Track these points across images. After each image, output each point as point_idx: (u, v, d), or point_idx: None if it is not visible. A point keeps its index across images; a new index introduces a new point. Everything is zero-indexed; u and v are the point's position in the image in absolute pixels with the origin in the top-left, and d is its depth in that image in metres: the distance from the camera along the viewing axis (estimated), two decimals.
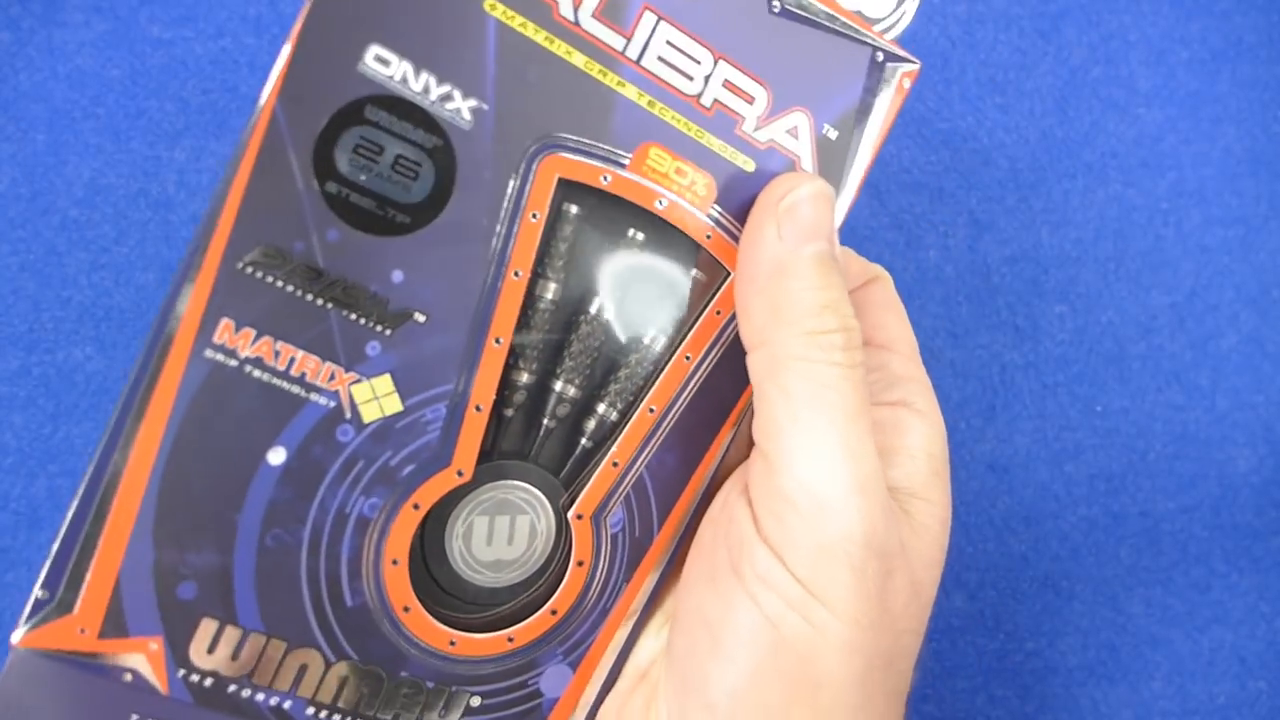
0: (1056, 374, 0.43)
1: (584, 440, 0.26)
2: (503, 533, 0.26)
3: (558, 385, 0.26)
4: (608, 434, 0.27)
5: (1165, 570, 0.43)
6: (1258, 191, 0.44)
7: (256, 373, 0.22)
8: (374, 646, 0.24)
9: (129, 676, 0.22)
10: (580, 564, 0.26)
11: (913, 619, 0.25)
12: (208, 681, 0.23)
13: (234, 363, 0.22)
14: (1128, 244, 0.43)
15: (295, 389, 0.22)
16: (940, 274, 0.43)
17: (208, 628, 0.22)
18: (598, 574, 0.26)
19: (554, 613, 0.26)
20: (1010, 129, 0.43)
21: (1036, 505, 0.43)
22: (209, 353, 0.22)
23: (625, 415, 0.26)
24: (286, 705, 0.23)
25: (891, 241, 0.43)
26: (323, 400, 0.23)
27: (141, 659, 0.22)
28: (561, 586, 0.26)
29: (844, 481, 0.23)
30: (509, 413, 0.26)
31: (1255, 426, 0.43)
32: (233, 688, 0.23)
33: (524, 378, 0.25)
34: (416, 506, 0.24)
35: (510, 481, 0.26)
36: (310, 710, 0.24)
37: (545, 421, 0.26)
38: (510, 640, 0.25)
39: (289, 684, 0.23)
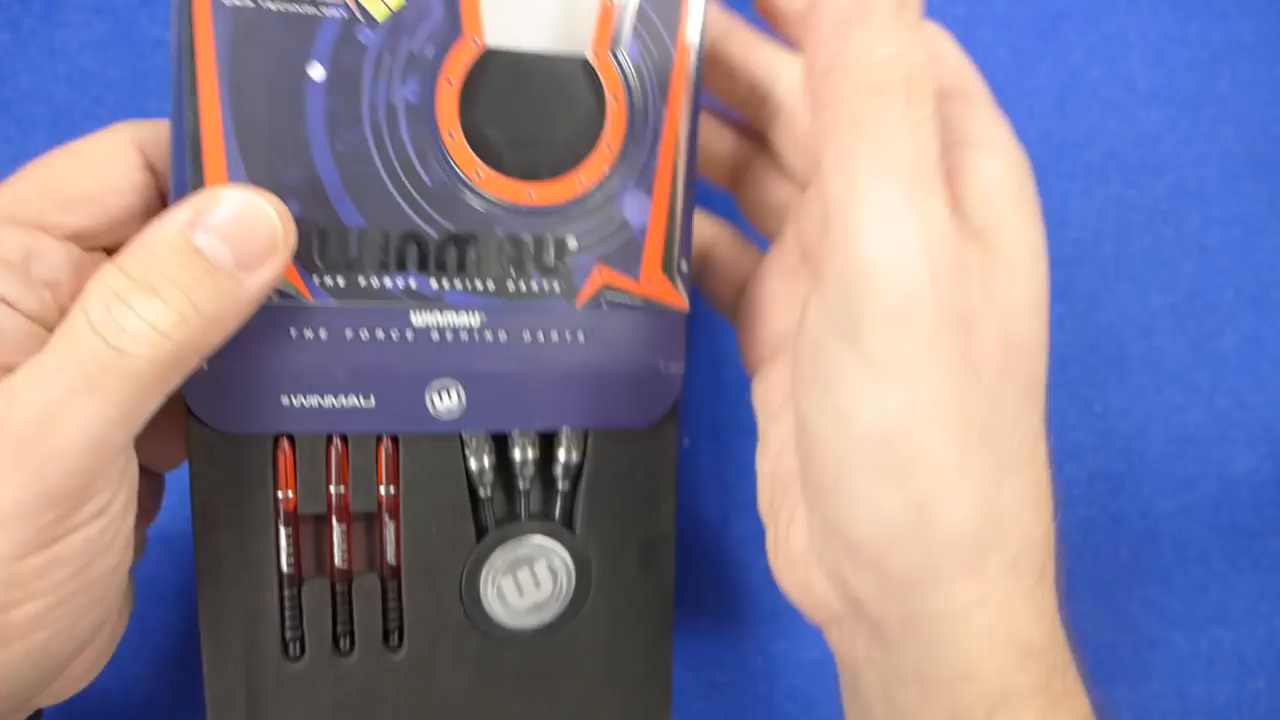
0: (1056, 374, 0.43)
1: (560, 484, 0.30)
2: (528, 581, 0.29)
3: (515, 454, 0.29)
4: (577, 472, 0.29)
5: (1165, 570, 0.43)
6: (1258, 191, 0.44)
7: (271, 5, 0.24)
8: (464, 215, 0.27)
9: (276, 298, 0.25)
10: (615, 98, 0.27)
11: (1016, 373, 0.25)
12: (341, 281, 0.26)
13: (251, 3, 0.24)
14: (1128, 244, 0.43)
15: (308, 8, 0.25)
16: None
17: (321, 234, 0.26)
18: (634, 101, 0.28)
19: (609, 148, 0.28)
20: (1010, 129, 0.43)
21: None
22: (227, 2, 0.24)
23: (584, 453, 0.29)
24: (413, 284, 0.27)
25: None
26: (335, 12, 0.25)
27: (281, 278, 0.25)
28: (605, 122, 0.27)
29: (911, 245, 0.22)
30: (484, 494, 0.29)
31: (1255, 426, 0.43)
32: (363, 279, 0.26)
33: (486, 462, 0.28)
34: (450, 82, 0.26)
35: (512, 542, 0.29)
36: (433, 283, 0.27)
37: (520, 486, 0.29)
38: (581, 181, 0.27)
39: (410, 265, 0.26)
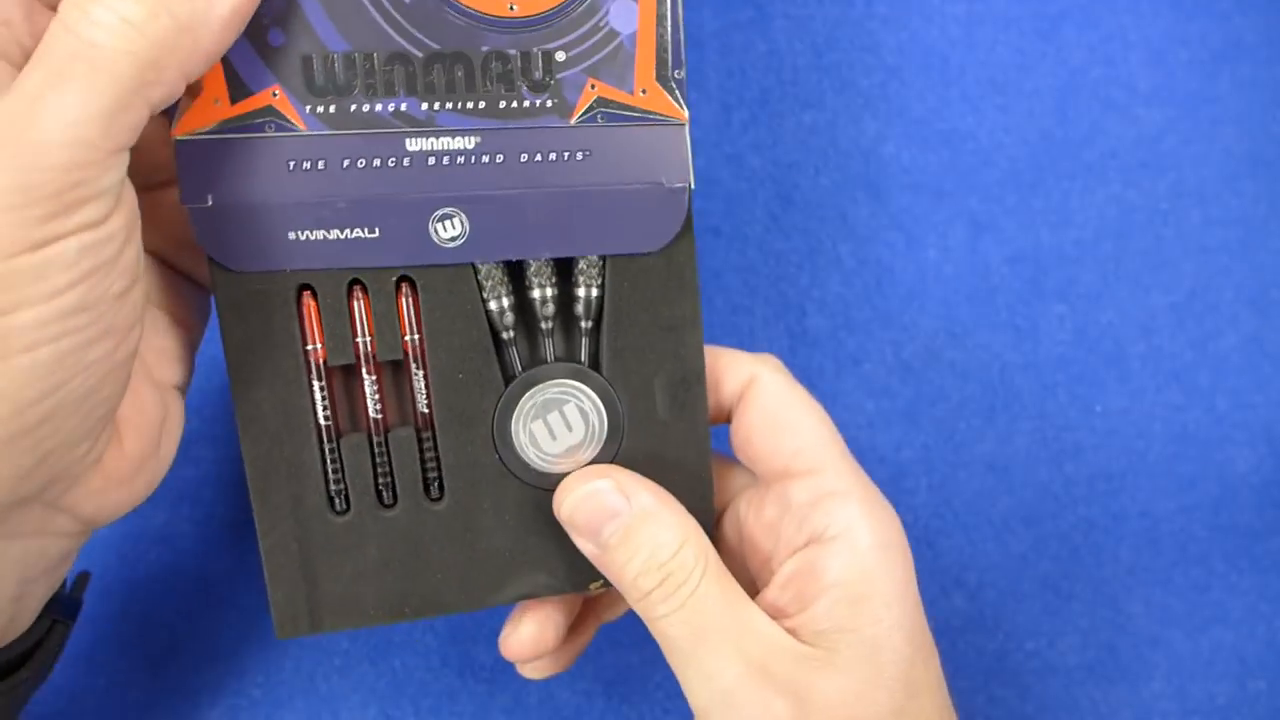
0: (1056, 374, 0.43)
1: (582, 323, 0.30)
2: (559, 425, 0.29)
3: (534, 293, 0.29)
4: (599, 310, 0.29)
5: (1165, 570, 0.43)
6: (1258, 191, 0.44)
7: None
8: (447, 32, 0.26)
9: (271, 128, 0.26)
10: None
11: None
12: (333, 108, 0.26)
13: None
14: (1128, 244, 0.43)
15: None
16: (940, 274, 0.43)
17: (306, 60, 0.26)
18: None
19: None
20: (1010, 129, 0.43)
21: (1036, 505, 0.43)
22: None
23: (603, 287, 0.29)
24: (404, 107, 0.26)
25: (891, 241, 0.43)
26: None
27: (272, 108, 0.26)
28: None
29: (711, 698, 0.27)
30: (507, 336, 0.29)
31: (1255, 426, 0.43)
32: (353, 106, 0.26)
33: (505, 302, 0.29)
34: None
35: (540, 384, 0.29)
36: (423, 105, 0.27)
37: (541, 326, 0.29)
38: None
39: (398, 89, 0.26)
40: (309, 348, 0.28)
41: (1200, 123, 0.44)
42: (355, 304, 0.28)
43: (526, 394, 0.29)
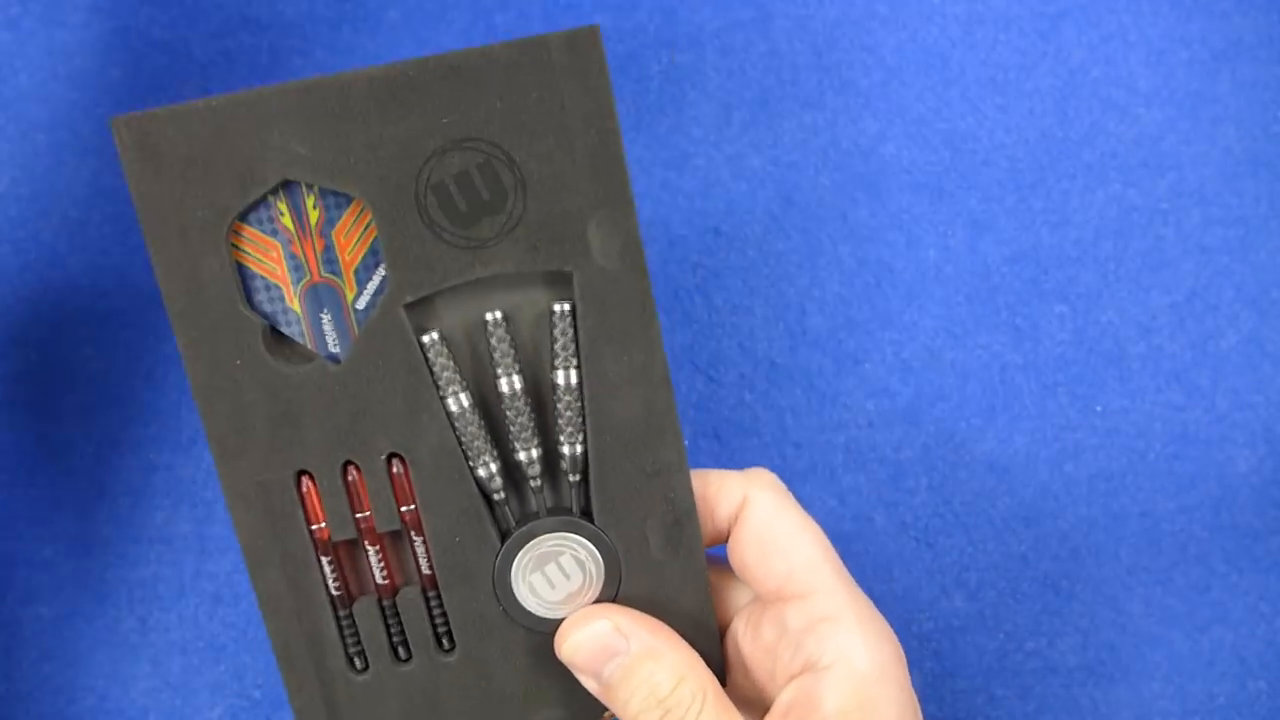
0: (1056, 374, 0.43)
1: (570, 477, 0.30)
2: (558, 575, 0.30)
3: (520, 455, 0.30)
4: (584, 464, 0.30)
5: (1165, 570, 0.43)
6: (1258, 191, 0.44)
7: None
8: None
9: None
10: None
11: None
12: None
13: None
14: (1128, 244, 0.43)
15: None
16: (940, 274, 0.43)
17: None
18: None
19: None
20: (1010, 129, 0.43)
21: (1036, 505, 0.43)
22: None
23: (585, 442, 0.30)
24: None
25: (891, 241, 0.43)
26: None
27: None
28: None
29: None
30: (498, 498, 0.30)
31: (1255, 426, 0.43)
32: None
33: (493, 467, 0.29)
34: None
35: (535, 539, 0.30)
36: None
37: (531, 485, 0.30)
38: None
39: None
40: (313, 527, 0.30)
41: (1200, 123, 0.44)
42: (349, 482, 0.30)
43: (522, 549, 0.30)
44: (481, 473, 0.29)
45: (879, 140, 0.43)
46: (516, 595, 0.30)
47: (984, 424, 0.43)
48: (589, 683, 0.29)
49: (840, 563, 0.30)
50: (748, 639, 0.31)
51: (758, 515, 0.30)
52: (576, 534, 0.30)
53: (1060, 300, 0.43)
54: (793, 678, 0.29)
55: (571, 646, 0.29)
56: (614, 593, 0.30)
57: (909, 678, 0.29)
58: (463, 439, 0.29)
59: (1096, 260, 0.43)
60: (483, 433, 0.29)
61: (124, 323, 0.41)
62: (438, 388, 0.29)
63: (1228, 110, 0.44)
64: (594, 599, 0.30)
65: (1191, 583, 0.43)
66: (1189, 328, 0.43)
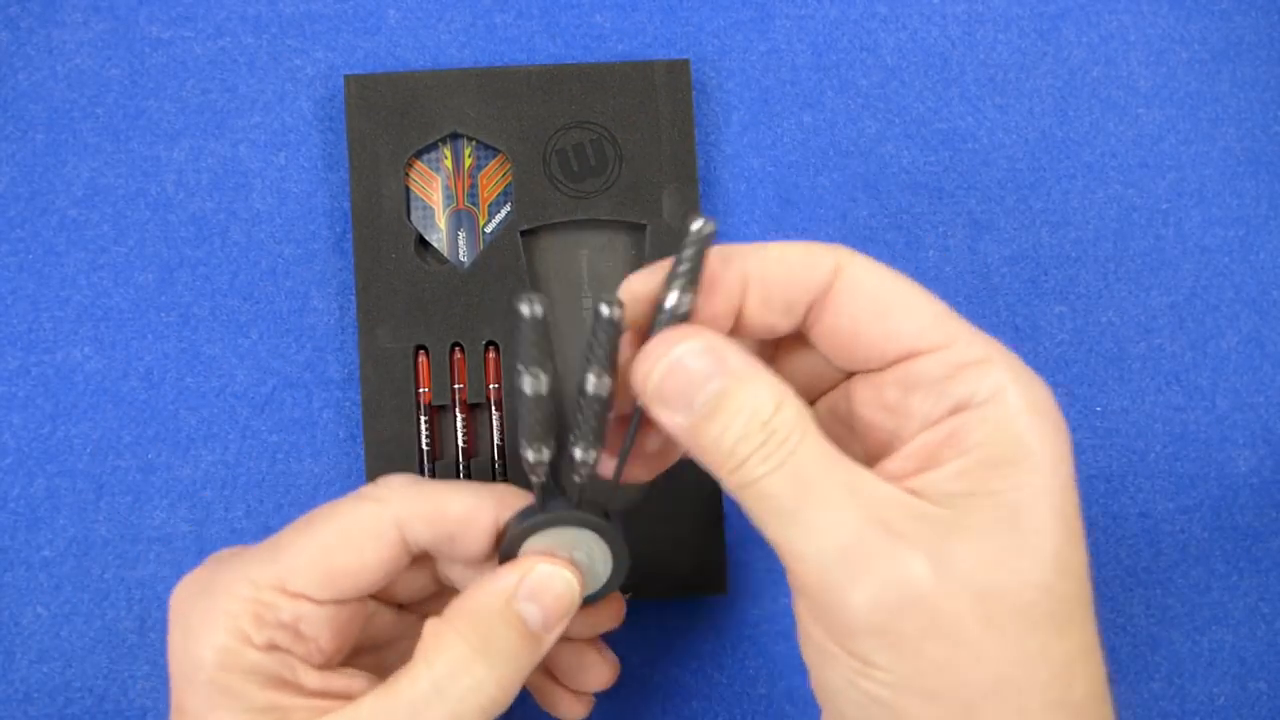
0: (1056, 374, 0.43)
1: (577, 478, 0.29)
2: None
3: (577, 452, 0.28)
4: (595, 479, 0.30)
5: (1165, 571, 0.43)
6: (1258, 191, 0.44)
7: None
8: None
9: None
10: None
11: (1004, 637, 0.23)
12: None
13: None
14: (1128, 244, 0.43)
15: None
16: (940, 274, 0.43)
17: None
18: None
19: None
20: (1010, 129, 0.43)
21: None
22: None
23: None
24: None
25: (891, 241, 0.43)
26: None
27: None
28: None
29: (830, 570, 0.23)
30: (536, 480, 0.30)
31: (1255, 427, 0.43)
32: None
33: (545, 454, 0.29)
34: None
35: (551, 529, 0.29)
36: None
37: (576, 478, 0.29)
38: None
39: None
40: (420, 390, 0.38)
41: (1200, 123, 0.44)
42: (455, 360, 0.39)
43: (536, 535, 0.30)
44: (530, 456, 0.28)
45: (879, 140, 0.43)
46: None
47: None
48: (674, 419, 0.25)
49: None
50: (862, 403, 0.27)
51: (865, 279, 0.26)
52: (596, 532, 0.29)
53: (1060, 300, 0.43)
54: (931, 424, 0.25)
55: (659, 375, 0.25)
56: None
57: (1068, 436, 0.26)
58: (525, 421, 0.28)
59: (1096, 260, 0.43)
60: (547, 419, 0.28)
61: (123, 323, 0.41)
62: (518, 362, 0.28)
63: (1228, 110, 0.44)
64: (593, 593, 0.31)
65: (1191, 583, 0.43)
66: (1189, 328, 0.43)
